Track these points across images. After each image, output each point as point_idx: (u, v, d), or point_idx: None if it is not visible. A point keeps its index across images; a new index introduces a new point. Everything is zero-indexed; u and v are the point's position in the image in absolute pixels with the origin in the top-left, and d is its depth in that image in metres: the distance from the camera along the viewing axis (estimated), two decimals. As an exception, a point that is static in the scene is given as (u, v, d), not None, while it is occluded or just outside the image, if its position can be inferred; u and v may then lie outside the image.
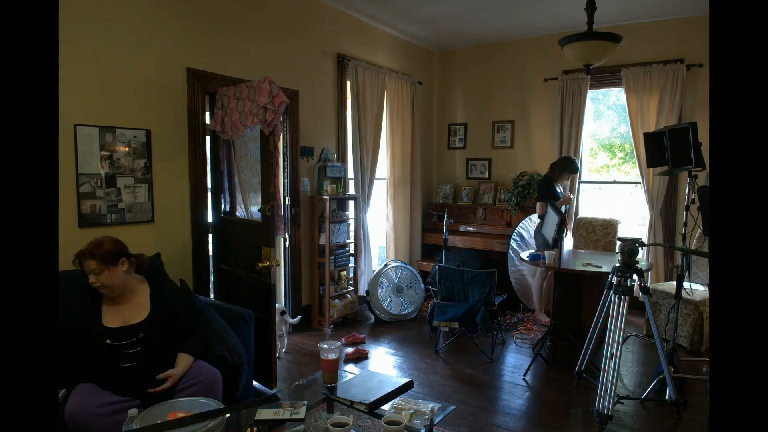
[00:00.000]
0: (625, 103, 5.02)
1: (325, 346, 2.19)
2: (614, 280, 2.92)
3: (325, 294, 4.58)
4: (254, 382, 3.02)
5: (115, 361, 2.15)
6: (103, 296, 2.25)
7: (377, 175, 5.25)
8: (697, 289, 4.06)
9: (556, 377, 3.56)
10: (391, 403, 1.93)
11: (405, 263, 5.28)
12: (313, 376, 2.45)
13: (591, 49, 3.66)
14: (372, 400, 1.89)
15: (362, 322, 4.80)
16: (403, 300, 5.00)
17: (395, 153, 5.61)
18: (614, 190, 5.73)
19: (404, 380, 2.10)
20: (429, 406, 1.91)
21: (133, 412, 1.74)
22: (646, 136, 3.34)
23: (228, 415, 1.84)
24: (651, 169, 4.84)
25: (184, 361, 2.25)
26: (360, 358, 3.90)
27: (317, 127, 4.63)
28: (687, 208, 3.15)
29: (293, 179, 4.37)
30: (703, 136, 4.59)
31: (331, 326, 4.59)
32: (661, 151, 3.12)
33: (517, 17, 5.01)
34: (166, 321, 2.32)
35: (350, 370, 3.67)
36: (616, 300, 2.82)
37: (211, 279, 3.71)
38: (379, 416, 1.80)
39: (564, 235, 4.30)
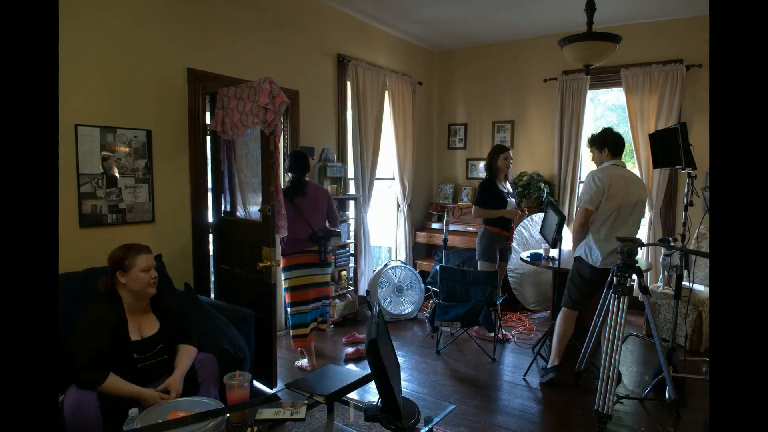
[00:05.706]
0: (625, 104, 5.02)
1: (234, 382, 1.97)
2: (613, 279, 2.92)
3: (326, 294, 4.58)
4: (254, 382, 3.03)
5: (134, 367, 2.16)
6: (126, 308, 2.20)
7: (377, 175, 5.25)
8: (696, 289, 4.06)
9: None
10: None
11: (405, 263, 5.28)
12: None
13: (590, 50, 3.66)
14: (331, 391, 1.97)
15: (362, 322, 4.80)
16: (404, 300, 5.00)
17: (395, 153, 5.60)
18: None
19: (364, 373, 2.13)
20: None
21: (133, 411, 1.74)
22: (651, 137, 3.34)
23: (228, 414, 1.84)
24: (651, 169, 4.84)
25: (181, 362, 2.26)
26: (360, 358, 3.90)
27: (317, 127, 4.63)
28: (686, 209, 3.15)
29: (293, 179, 4.36)
30: (703, 136, 4.60)
31: (332, 326, 4.59)
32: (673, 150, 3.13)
33: (517, 18, 5.01)
34: (174, 325, 2.34)
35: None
36: (616, 300, 2.83)
37: (212, 279, 3.71)
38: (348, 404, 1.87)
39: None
